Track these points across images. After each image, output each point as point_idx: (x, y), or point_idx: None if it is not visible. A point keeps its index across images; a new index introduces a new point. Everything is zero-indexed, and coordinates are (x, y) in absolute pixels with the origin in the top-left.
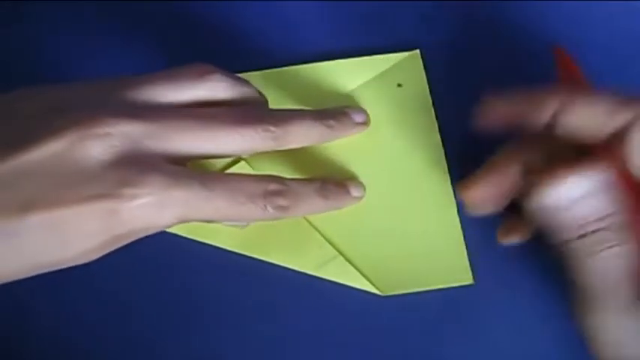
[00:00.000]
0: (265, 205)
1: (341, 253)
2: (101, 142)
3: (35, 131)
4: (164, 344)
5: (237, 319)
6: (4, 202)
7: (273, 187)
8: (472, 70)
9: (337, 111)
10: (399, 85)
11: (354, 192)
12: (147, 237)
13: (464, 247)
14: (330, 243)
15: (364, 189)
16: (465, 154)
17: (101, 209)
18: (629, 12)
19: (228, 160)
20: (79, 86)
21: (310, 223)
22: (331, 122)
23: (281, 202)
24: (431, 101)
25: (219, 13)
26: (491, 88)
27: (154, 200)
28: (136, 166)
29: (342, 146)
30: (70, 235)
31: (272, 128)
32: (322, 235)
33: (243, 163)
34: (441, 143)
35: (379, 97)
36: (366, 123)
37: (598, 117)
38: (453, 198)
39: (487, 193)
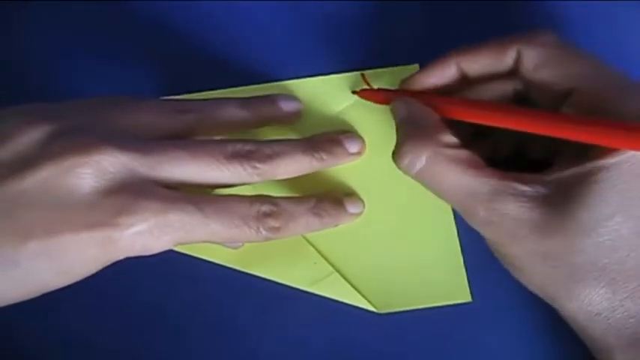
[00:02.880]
0: (258, 227)
1: (337, 270)
2: (95, 170)
3: (30, 158)
4: (158, 357)
5: (232, 334)
6: (3, 232)
7: (265, 208)
8: None
9: (330, 139)
10: None
11: (352, 208)
12: None
13: (462, 264)
14: (326, 259)
15: (363, 204)
16: None
17: (98, 238)
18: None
19: None
20: (73, 108)
21: (306, 239)
22: (322, 155)
23: (272, 223)
24: None
25: (212, 23)
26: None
27: (150, 226)
28: (131, 194)
29: None
30: (68, 262)
31: (259, 165)
32: (318, 251)
33: None
34: None
35: (376, 112)
36: (360, 152)
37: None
38: (452, 215)
39: (427, 84)
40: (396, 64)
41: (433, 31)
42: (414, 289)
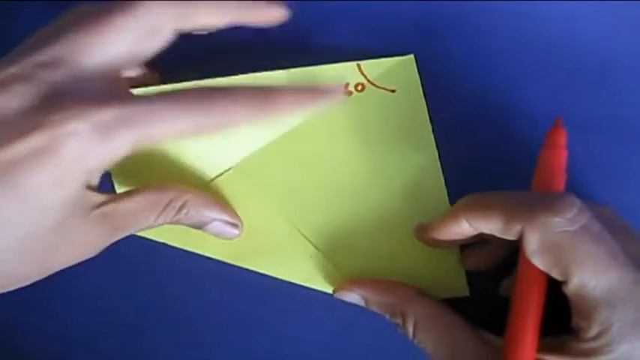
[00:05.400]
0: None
1: (333, 264)
2: (23, 86)
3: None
4: (153, 355)
5: (227, 329)
6: None
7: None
8: (467, 76)
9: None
10: (393, 91)
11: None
12: (137, 245)
13: (460, 258)
14: (322, 254)
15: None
16: (460, 160)
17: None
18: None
19: (216, 171)
20: (38, 48)
21: (302, 233)
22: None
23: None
24: (425, 107)
25: None
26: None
27: (92, 126)
28: (61, 99)
29: (334, 153)
30: (29, 197)
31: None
32: (313, 245)
33: (232, 172)
34: (435, 149)
35: (372, 102)
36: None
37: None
38: (449, 205)
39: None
40: (392, 55)
41: (429, 24)
42: (412, 282)
